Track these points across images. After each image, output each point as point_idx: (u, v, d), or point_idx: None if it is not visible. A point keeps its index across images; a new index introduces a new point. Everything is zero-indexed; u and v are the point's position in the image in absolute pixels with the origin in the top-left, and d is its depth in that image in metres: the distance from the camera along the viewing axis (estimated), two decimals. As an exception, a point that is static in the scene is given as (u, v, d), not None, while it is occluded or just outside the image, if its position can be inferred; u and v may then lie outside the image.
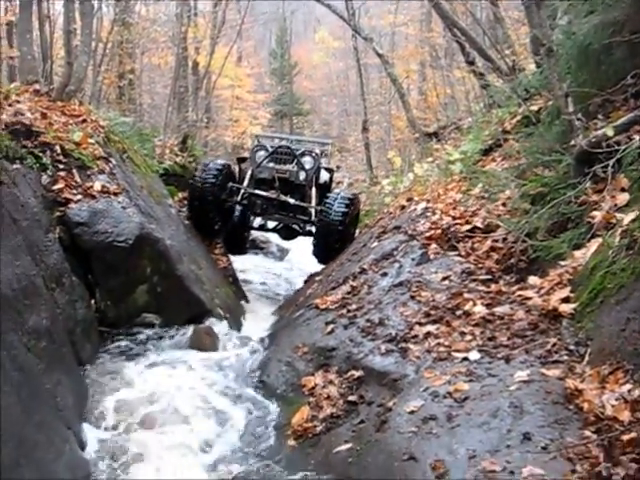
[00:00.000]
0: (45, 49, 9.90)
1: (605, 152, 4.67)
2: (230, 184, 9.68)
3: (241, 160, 10.92)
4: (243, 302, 9.41)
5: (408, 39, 25.61)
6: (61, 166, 6.48)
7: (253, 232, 12.53)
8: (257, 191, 9.55)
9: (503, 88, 9.53)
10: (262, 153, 9.82)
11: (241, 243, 11.49)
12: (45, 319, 4.69)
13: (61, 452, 4.04)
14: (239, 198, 9.77)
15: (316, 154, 10.02)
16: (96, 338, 6.05)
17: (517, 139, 7.05)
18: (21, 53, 9.90)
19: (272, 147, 9.97)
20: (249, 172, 9.90)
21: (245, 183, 9.80)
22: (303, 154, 9.84)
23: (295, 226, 10.45)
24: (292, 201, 9.44)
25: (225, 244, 10.48)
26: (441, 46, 20.25)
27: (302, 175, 9.63)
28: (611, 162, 4.59)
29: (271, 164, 9.65)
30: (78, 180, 6.53)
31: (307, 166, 9.69)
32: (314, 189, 9.82)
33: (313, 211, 9.58)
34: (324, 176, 10.47)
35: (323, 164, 10.56)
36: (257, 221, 10.98)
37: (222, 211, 9.69)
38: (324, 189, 10.26)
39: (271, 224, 10.89)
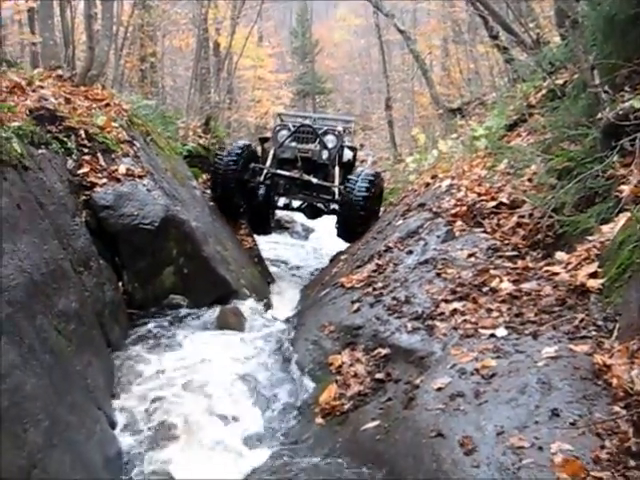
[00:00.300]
0: (67, 34, 9.94)
1: (633, 125, 4.59)
2: (252, 165, 9.63)
3: (264, 140, 10.81)
4: (269, 282, 9.44)
5: (430, 14, 25.37)
6: (86, 150, 6.51)
7: (278, 212, 12.46)
8: (280, 171, 9.50)
9: (527, 62, 9.43)
10: (284, 132, 9.74)
11: (266, 223, 11.36)
12: (74, 302, 4.75)
13: (92, 432, 4.11)
14: (262, 178, 9.69)
15: (339, 132, 9.90)
16: (124, 320, 6.12)
17: (542, 113, 6.96)
18: (43, 39, 9.98)
19: (294, 126, 9.87)
20: (271, 152, 9.81)
21: (268, 163, 9.72)
22: (326, 133, 9.72)
23: (320, 205, 10.34)
24: (315, 180, 9.35)
25: (250, 224, 10.45)
26: (464, 21, 20.04)
27: (325, 154, 9.53)
28: (639, 135, 4.52)
29: (293, 143, 9.59)
30: (103, 164, 6.57)
31: (330, 145, 9.58)
32: (337, 168, 9.69)
33: (336, 190, 9.46)
34: (347, 154, 10.31)
35: (346, 142, 10.46)
36: (282, 201, 10.84)
37: (246, 192, 9.65)
38: (347, 168, 10.15)
39: (296, 203, 10.80)
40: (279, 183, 9.73)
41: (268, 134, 11.68)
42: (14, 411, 3.30)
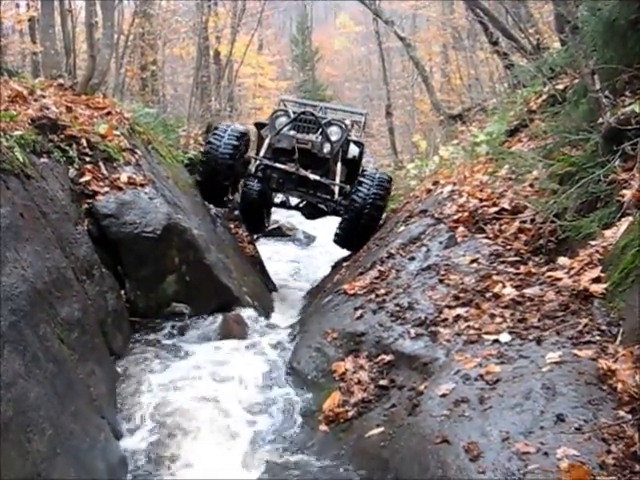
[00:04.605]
0: (68, 43, 9.97)
1: (634, 129, 4.60)
2: (247, 155, 8.94)
3: (260, 126, 9.70)
4: (271, 290, 9.42)
5: (430, 21, 25.40)
6: (87, 159, 6.51)
7: (280, 219, 12.25)
8: (273, 163, 8.68)
9: (528, 67, 9.42)
10: (283, 119, 8.80)
11: (260, 221, 10.59)
12: (77, 310, 4.75)
13: (96, 441, 4.10)
14: (253, 170, 8.89)
15: (345, 125, 8.95)
16: (127, 328, 6.11)
17: (543, 119, 6.97)
18: (44, 48, 9.98)
19: (295, 113, 8.89)
20: (267, 140, 8.89)
21: (261, 153, 8.87)
22: (330, 123, 8.77)
23: (321, 205, 9.45)
24: (313, 176, 8.52)
25: (243, 222, 9.97)
26: (464, 27, 20.05)
27: (327, 147, 8.58)
28: (640, 139, 4.53)
29: (292, 132, 8.63)
30: (105, 172, 6.57)
31: (333, 137, 8.63)
32: (339, 164, 8.76)
33: (337, 189, 8.67)
34: (353, 151, 9.24)
35: (353, 137, 9.53)
36: (278, 198, 10.14)
37: (235, 182, 9.04)
38: (353, 166, 9.19)
39: (294, 201, 9.99)
40: (272, 176, 8.81)
41: (265, 119, 10.22)
42: (18, 420, 3.29)
